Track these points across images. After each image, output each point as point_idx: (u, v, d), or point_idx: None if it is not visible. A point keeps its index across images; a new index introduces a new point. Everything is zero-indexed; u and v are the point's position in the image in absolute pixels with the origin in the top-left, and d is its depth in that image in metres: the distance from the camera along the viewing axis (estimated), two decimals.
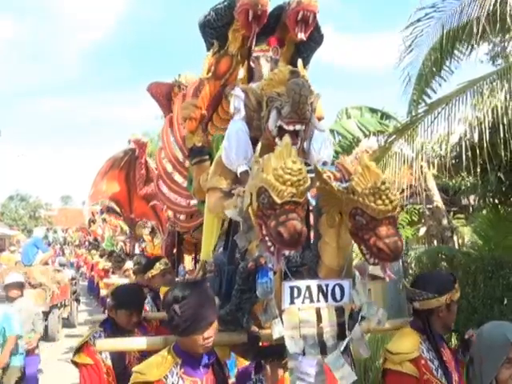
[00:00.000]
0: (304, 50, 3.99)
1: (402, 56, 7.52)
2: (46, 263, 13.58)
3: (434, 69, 8.86)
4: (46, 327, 11.09)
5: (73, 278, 15.63)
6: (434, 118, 5.98)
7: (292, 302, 2.52)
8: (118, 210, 12.19)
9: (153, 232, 8.78)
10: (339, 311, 2.59)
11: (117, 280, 8.02)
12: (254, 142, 3.26)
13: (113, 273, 10.50)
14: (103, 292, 12.15)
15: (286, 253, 2.29)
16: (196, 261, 7.02)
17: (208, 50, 3.96)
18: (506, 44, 8.58)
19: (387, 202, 2.24)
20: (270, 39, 3.72)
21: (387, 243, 2.20)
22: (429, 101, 7.59)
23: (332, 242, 2.49)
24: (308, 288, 2.55)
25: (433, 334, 2.94)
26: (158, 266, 5.21)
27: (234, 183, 3.27)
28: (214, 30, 3.83)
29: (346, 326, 2.54)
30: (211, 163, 3.76)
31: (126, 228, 12.92)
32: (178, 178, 4.29)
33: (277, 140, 2.99)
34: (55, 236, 32.54)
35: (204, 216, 3.56)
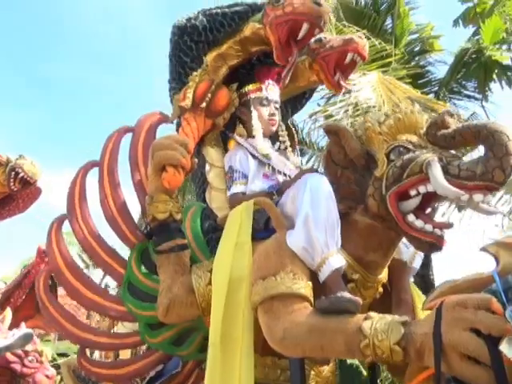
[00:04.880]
0: (293, 109, 2.84)
1: None
2: None
3: None
4: None
5: None
6: None
7: None
8: None
9: None
10: None
11: None
12: None
13: None
14: None
15: None
16: None
17: (174, 73, 2.43)
18: None
19: None
20: (261, 73, 2.48)
21: None
22: None
23: None
24: None
25: None
26: None
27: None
28: (196, 43, 2.39)
29: None
30: None
31: None
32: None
33: (410, 219, 1.75)
34: None
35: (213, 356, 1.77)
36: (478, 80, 7.24)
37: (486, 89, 7.27)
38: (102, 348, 2.63)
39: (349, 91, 5.77)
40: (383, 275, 2.00)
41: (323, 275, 1.77)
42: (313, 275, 1.81)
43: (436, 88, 7.50)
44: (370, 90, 5.87)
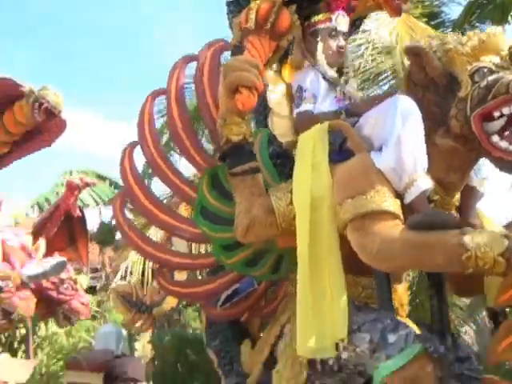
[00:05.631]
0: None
1: None
2: None
3: None
4: None
5: None
6: None
7: None
8: None
9: None
10: None
11: None
12: None
13: None
14: None
15: None
16: None
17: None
18: None
19: None
20: (332, 2, 2.39)
21: None
22: None
23: None
24: None
25: None
26: None
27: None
28: None
29: None
30: None
31: None
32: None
33: (495, 139, 1.74)
34: None
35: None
36: (492, 22, 7.09)
37: None
38: (178, 268, 2.79)
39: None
40: (457, 197, 2.04)
41: (410, 196, 1.80)
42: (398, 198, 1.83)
43: (449, 30, 7.34)
44: (390, 27, 5.78)
